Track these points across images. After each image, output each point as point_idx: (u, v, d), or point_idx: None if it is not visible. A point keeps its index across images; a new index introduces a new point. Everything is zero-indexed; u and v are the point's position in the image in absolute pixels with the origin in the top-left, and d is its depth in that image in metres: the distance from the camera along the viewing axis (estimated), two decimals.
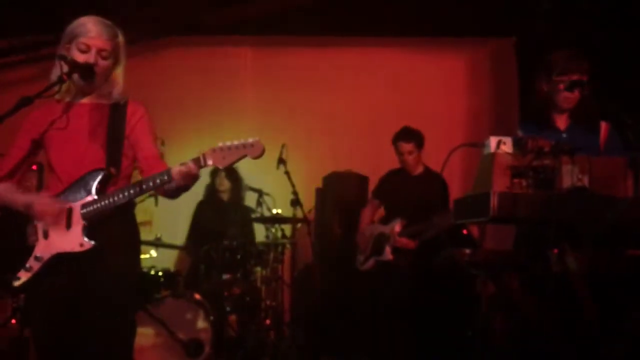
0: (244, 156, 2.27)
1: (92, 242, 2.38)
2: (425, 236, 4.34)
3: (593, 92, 2.71)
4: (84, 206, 2.42)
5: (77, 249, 2.38)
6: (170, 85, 6.11)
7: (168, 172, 2.33)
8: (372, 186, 5.19)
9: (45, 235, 2.45)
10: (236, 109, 6.12)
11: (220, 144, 2.28)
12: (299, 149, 5.45)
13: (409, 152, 4.64)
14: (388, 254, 4.52)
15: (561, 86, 2.80)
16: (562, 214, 2.24)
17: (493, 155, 2.33)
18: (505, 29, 5.81)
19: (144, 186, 2.38)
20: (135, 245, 2.64)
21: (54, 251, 2.42)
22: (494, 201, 2.23)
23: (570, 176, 2.25)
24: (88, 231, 2.40)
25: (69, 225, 2.41)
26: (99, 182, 2.43)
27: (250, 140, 2.27)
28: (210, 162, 2.29)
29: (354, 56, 6.19)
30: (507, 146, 2.37)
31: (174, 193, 2.50)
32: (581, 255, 2.30)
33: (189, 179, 2.34)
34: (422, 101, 5.95)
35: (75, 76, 2.45)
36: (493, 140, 2.39)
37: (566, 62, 2.79)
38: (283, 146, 5.03)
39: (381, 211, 4.98)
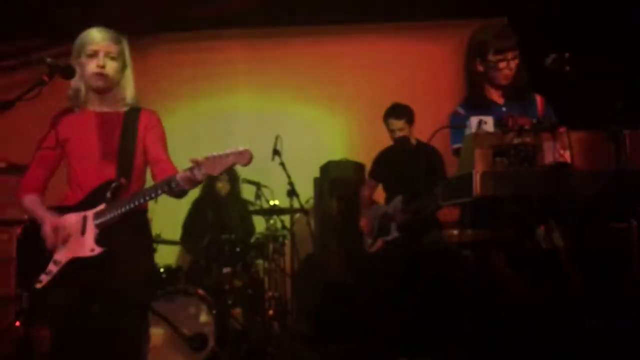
0: (235, 164, 2.43)
1: (102, 248, 2.57)
2: (428, 209, 4.30)
3: (523, 64, 2.73)
4: (96, 215, 2.61)
5: (89, 254, 2.58)
6: (162, 82, 6.12)
7: (174, 178, 2.49)
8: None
9: (64, 241, 2.62)
10: (229, 103, 6.15)
11: (213, 153, 2.43)
12: (294, 140, 5.47)
13: (400, 129, 4.61)
14: (394, 232, 4.50)
15: (501, 65, 2.83)
16: (546, 190, 2.26)
17: (475, 136, 2.35)
18: (495, 11, 5.79)
19: (151, 194, 2.55)
20: (146, 248, 2.83)
21: (70, 255, 2.60)
22: (476, 181, 2.25)
23: (551, 152, 2.26)
24: (100, 237, 2.58)
25: (83, 232, 2.61)
26: (111, 192, 2.62)
27: (241, 148, 2.42)
28: (203, 171, 2.42)
29: (344, 44, 6.20)
30: (488, 126, 2.39)
31: (180, 194, 2.67)
32: (566, 231, 2.31)
33: (194, 184, 2.50)
34: (413, 85, 5.95)
35: (82, 84, 2.67)
36: (474, 121, 2.41)
37: (500, 41, 2.82)
38: (277, 137, 5.04)
39: (380, 192, 4.98)
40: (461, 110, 2.90)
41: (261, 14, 5.82)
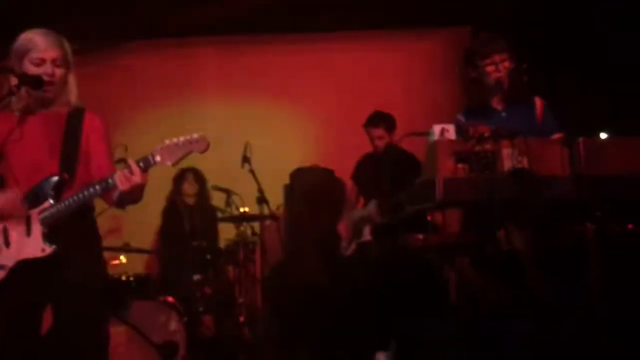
0: (191, 151, 2.37)
1: (53, 247, 2.46)
2: (402, 213, 4.33)
3: (518, 68, 2.81)
4: (41, 212, 2.49)
5: (39, 254, 2.46)
6: (133, 89, 6.13)
7: (111, 176, 2.39)
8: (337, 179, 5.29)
9: (7, 244, 2.51)
10: (200, 110, 6.15)
11: (167, 142, 2.36)
12: (264, 147, 5.51)
13: (379, 137, 4.63)
14: (367, 234, 4.52)
15: (488, 69, 2.90)
16: (505, 195, 2.33)
17: (437, 143, 2.42)
18: (461, 19, 5.91)
19: (90, 190, 2.44)
20: (96, 245, 2.70)
21: (17, 258, 2.48)
22: (439, 187, 2.31)
23: (510, 159, 2.34)
24: (48, 236, 2.47)
25: (29, 232, 2.48)
26: (54, 188, 2.51)
27: (195, 135, 2.37)
28: (158, 159, 2.35)
29: (314, 52, 6.26)
30: (450, 133, 2.46)
31: (120, 201, 2.55)
32: (526, 233, 2.39)
33: (132, 184, 2.36)
34: (382, 93, 6.01)
35: (28, 89, 2.52)
36: (437, 128, 2.48)
37: (486, 46, 2.90)
38: (246, 145, 5.08)
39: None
40: (461, 118, 2.96)
41: (232, 22, 5.85)
